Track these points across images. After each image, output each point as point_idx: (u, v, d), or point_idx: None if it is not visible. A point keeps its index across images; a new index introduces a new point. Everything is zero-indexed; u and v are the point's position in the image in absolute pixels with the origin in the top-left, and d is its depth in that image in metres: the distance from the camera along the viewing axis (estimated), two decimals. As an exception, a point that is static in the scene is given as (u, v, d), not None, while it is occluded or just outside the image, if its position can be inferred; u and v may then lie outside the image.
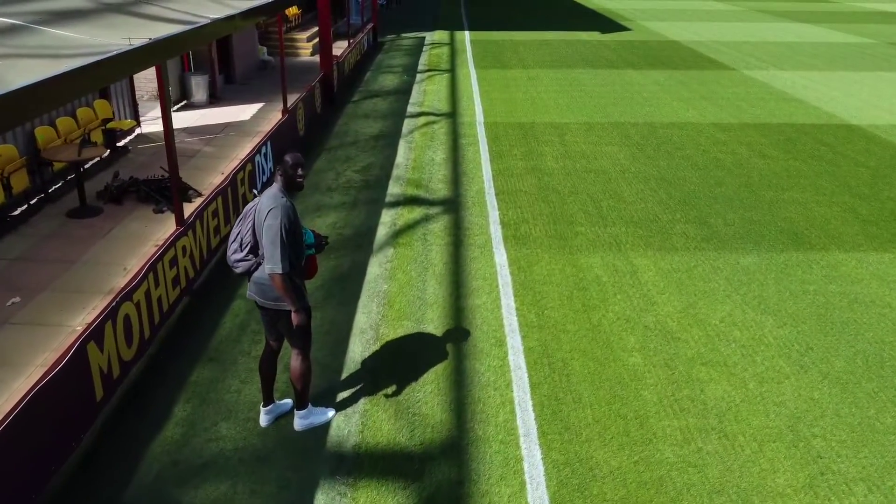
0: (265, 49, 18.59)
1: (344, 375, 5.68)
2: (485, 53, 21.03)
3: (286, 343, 5.02)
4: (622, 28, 27.19)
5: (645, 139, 12.26)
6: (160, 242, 6.83)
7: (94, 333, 5.03)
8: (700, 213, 8.98)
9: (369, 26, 22.83)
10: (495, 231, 8.40)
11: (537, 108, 14.45)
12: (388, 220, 8.78)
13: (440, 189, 9.82)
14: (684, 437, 4.98)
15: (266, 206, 4.49)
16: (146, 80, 14.66)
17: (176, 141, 12.40)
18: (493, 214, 8.91)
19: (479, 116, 13.72)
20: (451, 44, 22.98)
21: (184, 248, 6.83)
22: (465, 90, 16.08)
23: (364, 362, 5.84)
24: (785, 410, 5.27)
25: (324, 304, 6.77)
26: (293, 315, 4.58)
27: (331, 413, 5.23)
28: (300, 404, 5.08)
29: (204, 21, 7.24)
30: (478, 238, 8.20)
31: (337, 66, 15.72)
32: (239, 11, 8.56)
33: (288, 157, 4.60)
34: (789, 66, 19.67)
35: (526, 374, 5.65)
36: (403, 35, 25.09)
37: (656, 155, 11.37)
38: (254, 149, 9.41)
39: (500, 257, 7.72)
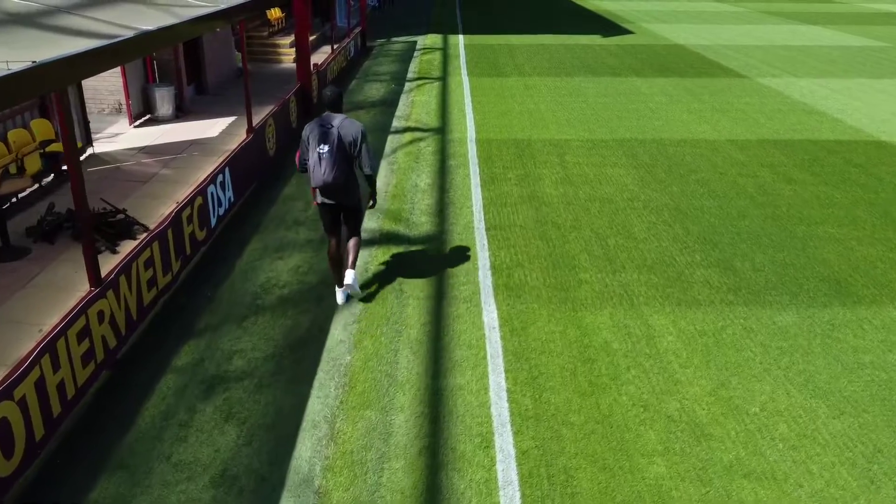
0: (243, 56, 17.29)
1: (284, 494, 4.42)
2: (479, 59, 19.78)
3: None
4: (624, 31, 25.95)
5: (654, 160, 11.00)
6: (80, 298, 5.57)
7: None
8: (723, 255, 7.73)
9: (357, 30, 21.57)
10: (485, 278, 7.15)
11: (535, 122, 13.20)
12: (359, 263, 7.52)
13: (423, 223, 8.56)
14: None
15: (356, 128, 6.06)
16: (108, 92, 13.41)
17: (131, 163, 11.19)
18: (483, 256, 7.66)
19: (471, 132, 12.46)
20: (444, 49, 21.73)
21: (100, 313, 5.57)
22: (457, 101, 14.82)
23: (312, 475, 4.58)
24: (857, 550, 4.03)
25: (272, 383, 5.51)
26: (373, 201, 6.61)
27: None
28: (353, 266, 6.47)
29: (129, 34, 5.98)
30: (464, 289, 6.95)
31: (317, 76, 14.47)
32: (183, 20, 7.30)
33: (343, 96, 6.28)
34: (804, 72, 18.42)
35: (518, 493, 4.39)
36: (394, 39, 23.84)
37: (668, 179, 10.12)
38: (206, 178, 8.14)
39: (490, 315, 6.46)
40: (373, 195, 6.55)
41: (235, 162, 9.12)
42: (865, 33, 26.83)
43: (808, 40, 24.42)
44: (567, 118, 13.48)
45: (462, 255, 7.70)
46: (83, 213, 5.54)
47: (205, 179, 8.13)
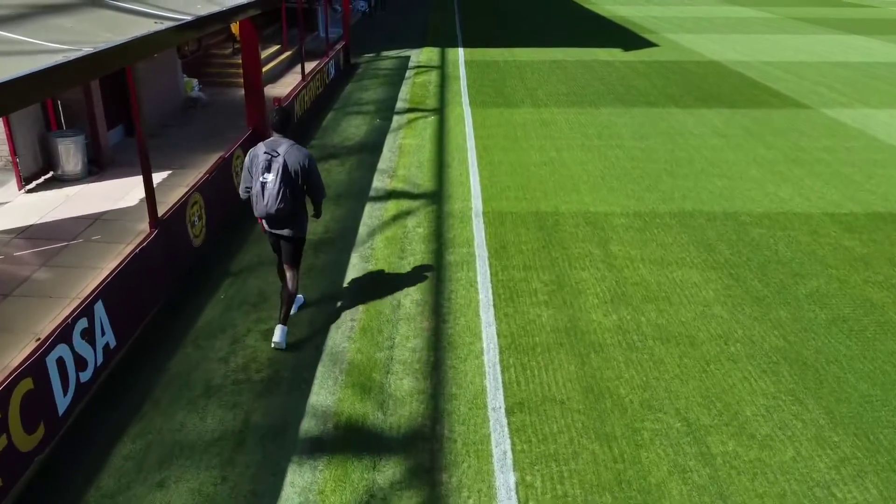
0: (195, 82, 14.11)
1: None
2: (483, 81, 16.58)
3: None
4: (647, 43, 22.74)
5: (736, 252, 7.83)
6: None
7: None
8: (914, 483, 4.56)
9: (339, 45, 18.36)
10: (511, 556, 3.98)
11: (559, 180, 10.02)
12: (297, 489, 4.35)
13: (404, 397, 5.37)
14: None
15: (303, 155, 5.62)
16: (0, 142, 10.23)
17: (-3, 257, 8.02)
18: (505, 485, 4.48)
19: (477, 200, 9.28)
20: (442, 67, 18.52)
21: None
22: (457, 145, 11.64)
23: None
24: None
25: None
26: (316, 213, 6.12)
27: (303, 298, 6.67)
28: (284, 321, 5.99)
29: None
30: (474, 592, 3.77)
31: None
32: (30, 72, 4.10)
33: (292, 117, 5.77)
34: (877, 101, 15.23)
35: None
36: (384, 54, 20.62)
37: (767, 293, 6.94)
38: (51, 336, 4.95)
39: None
40: (317, 211, 6.11)
41: (122, 283, 5.94)
42: (919, 45, 23.64)
43: (861, 55, 21.23)
44: (601, 174, 10.30)
45: (470, 482, 4.52)
46: None
47: (46, 339, 4.93)
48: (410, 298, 6.78)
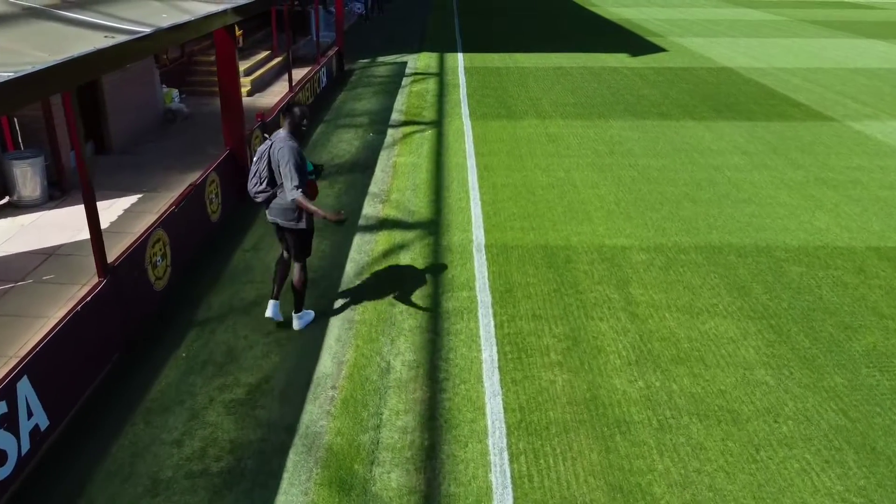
0: (175, 93, 13.13)
1: None
2: (484, 90, 15.61)
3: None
4: (655, 48, 21.78)
5: (775, 296, 6.86)
6: None
7: None
8: None
9: (332, 51, 17.39)
10: None
11: (569, 205, 9.06)
12: None
13: (389, 497, 4.40)
14: None
15: (278, 147, 5.72)
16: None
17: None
18: None
19: (478, 231, 8.31)
20: (440, 74, 17.56)
21: None
22: (457, 164, 10.68)
23: None
24: None
25: None
26: (331, 214, 5.60)
27: (313, 314, 6.41)
28: (299, 308, 6.23)
29: None
30: None
31: (262, 130, 10.31)
32: None
33: (296, 110, 5.87)
34: (905, 112, 14.28)
35: None
36: (380, 59, 19.65)
37: (816, 350, 5.98)
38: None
39: None
40: (319, 214, 5.67)
41: (58, 349, 4.97)
42: (938, 50, 22.68)
43: (880, 61, 20.26)
44: (615, 198, 9.34)
45: None
46: None
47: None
48: (402, 359, 5.81)
